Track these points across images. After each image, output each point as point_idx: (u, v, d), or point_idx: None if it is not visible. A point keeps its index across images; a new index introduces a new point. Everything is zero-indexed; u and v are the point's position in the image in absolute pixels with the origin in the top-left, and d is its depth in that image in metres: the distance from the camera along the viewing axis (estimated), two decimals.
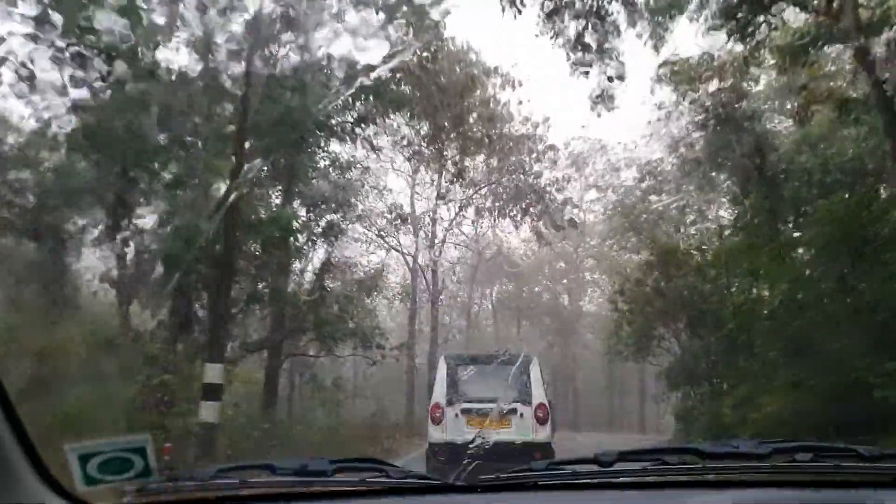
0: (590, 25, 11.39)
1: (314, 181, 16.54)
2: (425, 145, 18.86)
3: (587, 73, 11.89)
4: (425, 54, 15.29)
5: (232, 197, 9.47)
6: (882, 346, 9.24)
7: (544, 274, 45.12)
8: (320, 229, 15.51)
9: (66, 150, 10.86)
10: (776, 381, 11.22)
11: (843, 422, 8.85)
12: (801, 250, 13.45)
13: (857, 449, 2.05)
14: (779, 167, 15.25)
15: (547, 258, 41.71)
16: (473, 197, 24.97)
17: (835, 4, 11.48)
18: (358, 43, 14.49)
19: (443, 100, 16.42)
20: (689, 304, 19.43)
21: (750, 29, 12.98)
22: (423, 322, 28.67)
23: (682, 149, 18.15)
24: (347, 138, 16.64)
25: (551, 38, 12.16)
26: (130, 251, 11.13)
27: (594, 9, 11.66)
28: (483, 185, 24.00)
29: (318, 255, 17.44)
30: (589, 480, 1.99)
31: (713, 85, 15.40)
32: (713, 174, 17.63)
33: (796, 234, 14.08)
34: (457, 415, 10.30)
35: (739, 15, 12.16)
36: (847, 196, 13.22)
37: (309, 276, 17.28)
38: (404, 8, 14.24)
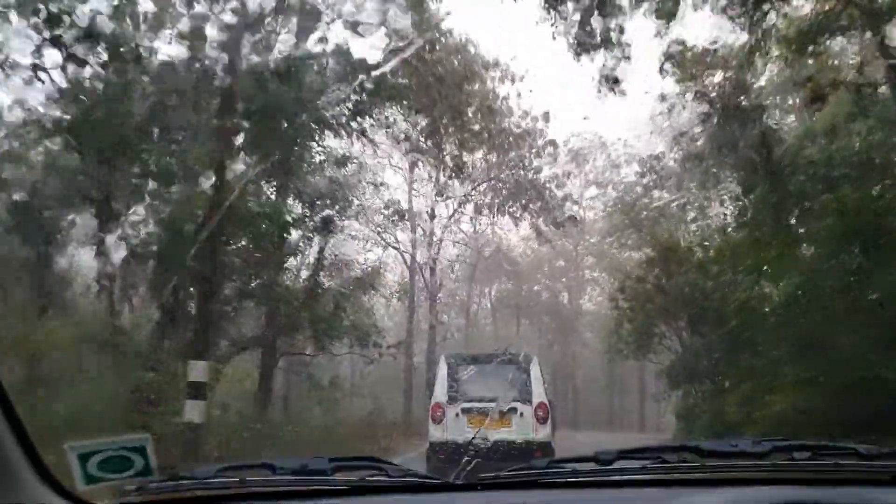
0: (595, 7, 11.04)
1: (309, 176, 16.20)
2: (423, 139, 18.53)
3: (592, 55, 11.52)
4: (423, 44, 14.95)
5: (215, 187, 9.13)
6: None
7: (543, 272, 44.89)
8: (315, 224, 15.12)
9: (48, 140, 10.52)
10: (783, 378, 10.89)
11: (854, 420, 8.56)
12: (806, 245, 13.20)
13: (857, 447, 2.07)
14: (784, 160, 14.93)
15: (546, 256, 41.50)
16: (472, 193, 24.66)
17: None
18: (354, 32, 14.22)
19: (441, 90, 16.08)
20: (690, 302, 19.17)
21: (756, 16, 12.68)
22: (421, 321, 28.36)
23: (685, 142, 17.83)
24: (343, 132, 16.32)
25: (552, 24, 11.84)
26: (116, 246, 10.79)
27: None
28: (482, 181, 23.68)
29: (315, 251, 17.13)
30: (588, 479, 2.02)
31: (718, 76, 15.07)
32: (716, 168, 17.28)
33: (802, 229, 13.78)
34: (457, 414, 10.32)
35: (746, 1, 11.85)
36: (857, 188, 13.00)
37: (305, 273, 16.91)
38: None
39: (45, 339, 9.34)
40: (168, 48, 11.51)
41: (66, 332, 9.65)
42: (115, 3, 9.54)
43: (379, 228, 23.64)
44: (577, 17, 11.36)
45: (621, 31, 11.74)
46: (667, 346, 22.04)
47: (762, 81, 15.71)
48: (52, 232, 11.43)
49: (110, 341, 9.68)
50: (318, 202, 15.69)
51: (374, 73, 14.14)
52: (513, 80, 20.24)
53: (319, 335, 15.08)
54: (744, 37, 14.70)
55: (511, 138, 21.71)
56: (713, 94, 15.35)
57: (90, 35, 9.08)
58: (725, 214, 19.48)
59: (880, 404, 8.51)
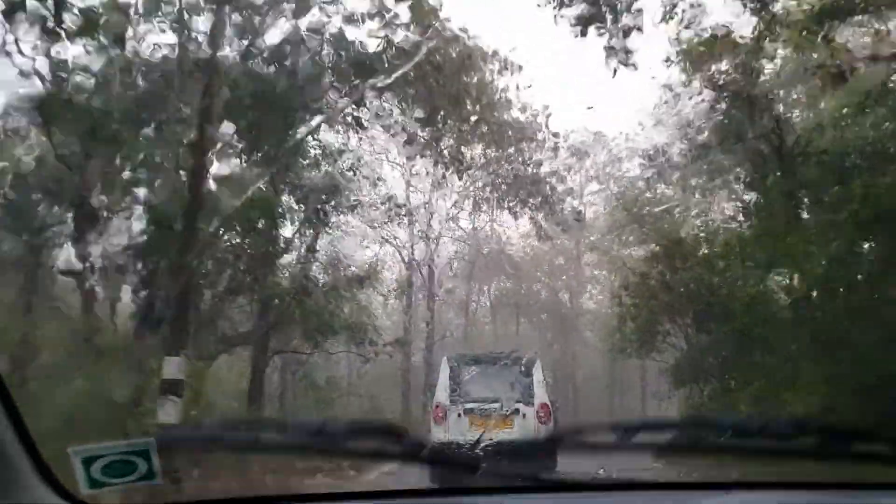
0: None
1: (305, 171, 15.68)
2: (420, 130, 18.00)
3: (599, 27, 10.91)
4: (420, 31, 14.41)
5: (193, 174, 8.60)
6: None
7: (543, 270, 44.43)
8: (308, 217, 14.59)
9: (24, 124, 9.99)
10: (799, 376, 10.36)
11: (877, 421, 8.04)
12: (819, 236, 12.70)
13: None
14: (796, 150, 14.42)
15: (546, 255, 41.07)
16: (471, 188, 24.13)
17: None
18: (349, 17, 13.67)
19: (438, 79, 15.53)
20: (696, 298, 18.71)
21: None
22: (419, 319, 27.87)
23: (692, 132, 17.30)
24: (339, 123, 15.81)
25: (556, 7, 11.29)
26: (95, 238, 10.26)
27: None
28: (481, 175, 23.15)
29: (308, 245, 16.62)
30: (597, 482, 2.03)
31: (727, 61, 14.52)
32: (724, 159, 16.74)
33: (816, 220, 13.27)
34: (459, 415, 10.34)
35: None
36: (871, 178, 12.54)
37: (299, 269, 16.34)
38: None
39: (22, 336, 8.82)
40: (154, 33, 10.98)
41: (43, 330, 9.12)
42: None
43: (375, 224, 23.11)
44: None
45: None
46: (671, 343, 21.57)
47: (773, 67, 15.20)
48: (27, 223, 10.89)
49: (86, 338, 9.15)
50: (313, 196, 15.14)
51: (369, 60, 13.64)
52: (512, 71, 19.69)
53: (311, 331, 14.54)
54: (753, 20, 14.24)
55: (510, 131, 21.15)
56: (721, 82, 14.83)
57: (60, 4, 8.55)
58: (733, 207, 18.97)
59: None
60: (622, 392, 43.95)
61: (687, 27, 13.33)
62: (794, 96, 15.81)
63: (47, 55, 9.12)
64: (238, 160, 12.34)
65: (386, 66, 14.22)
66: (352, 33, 13.58)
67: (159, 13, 11.19)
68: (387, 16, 13.66)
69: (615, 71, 12.08)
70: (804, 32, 13.56)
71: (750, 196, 16.91)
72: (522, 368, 10.89)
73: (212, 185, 10.03)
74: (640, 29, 11.27)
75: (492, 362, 11.40)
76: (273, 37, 12.52)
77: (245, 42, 11.54)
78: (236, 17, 12.13)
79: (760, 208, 15.61)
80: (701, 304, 18.52)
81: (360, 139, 18.17)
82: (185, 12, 10.52)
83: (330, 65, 13.65)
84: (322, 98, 13.72)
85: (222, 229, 11.32)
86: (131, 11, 10.87)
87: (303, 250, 16.17)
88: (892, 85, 14.14)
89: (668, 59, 16.10)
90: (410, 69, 14.52)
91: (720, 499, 1.90)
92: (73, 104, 9.31)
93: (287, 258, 16.00)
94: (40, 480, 1.76)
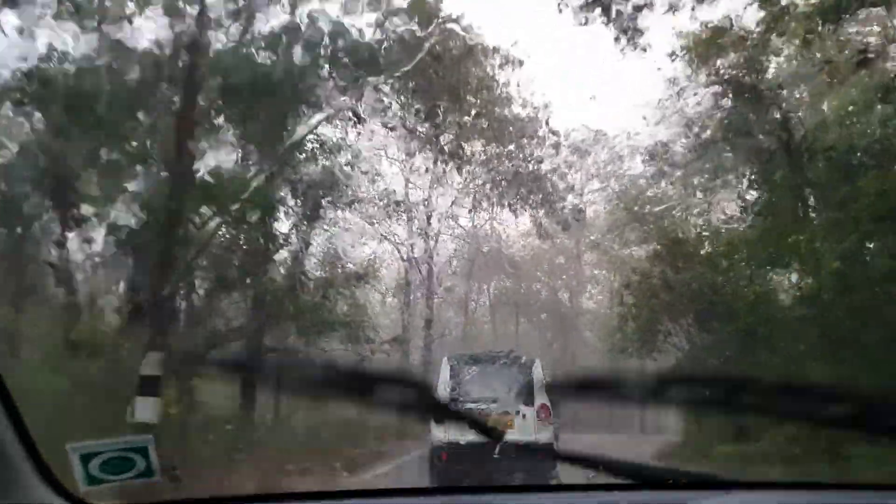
0: None
1: (301, 165, 15.35)
2: (420, 125, 17.71)
3: (608, 6, 10.54)
4: (419, 21, 14.11)
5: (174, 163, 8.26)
6: None
7: (543, 269, 44.16)
8: (303, 210, 14.26)
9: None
10: (809, 377, 10.04)
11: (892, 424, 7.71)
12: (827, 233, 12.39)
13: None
14: (803, 146, 14.10)
15: (546, 254, 40.81)
16: (471, 185, 23.83)
17: None
18: (346, 6, 13.34)
19: (438, 70, 15.21)
20: (698, 297, 18.43)
21: None
22: (417, 317, 27.54)
23: (697, 128, 16.98)
24: (337, 119, 15.50)
25: None
26: (77, 231, 9.95)
27: None
28: (481, 172, 22.85)
29: (307, 243, 16.30)
30: (599, 481, 2.00)
31: (733, 55, 14.20)
32: (729, 155, 16.41)
33: (823, 217, 12.96)
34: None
35: None
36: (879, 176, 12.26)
37: (294, 264, 16.00)
38: None
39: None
40: (142, 16, 10.63)
41: (23, 323, 8.79)
42: None
43: (373, 220, 22.79)
44: None
45: None
46: (672, 343, 21.28)
47: (780, 62, 14.90)
48: (9, 213, 10.54)
49: (65, 331, 8.82)
50: (309, 189, 14.81)
51: (368, 51, 13.32)
52: (513, 66, 19.40)
53: (306, 328, 14.21)
54: (760, 14, 13.94)
55: (511, 128, 20.87)
56: (727, 76, 14.52)
57: None
58: (737, 205, 18.64)
59: None
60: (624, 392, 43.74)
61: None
62: (801, 93, 15.50)
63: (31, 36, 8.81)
64: (231, 150, 12.03)
65: (384, 57, 13.93)
66: (350, 21, 13.24)
67: None
68: (385, 5, 13.37)
69: (623, 52, 11.72)
70: (812, 26, 13.28)
71: (754, 194, 16.60)
72: (522, 368, 10.97)
73: (202, 175, 9.71)
74: (650, 5, 10.89)
75: (492, 362, 11.47)
76: (269, 24, 12.23)
77: (239, 26, 11.19)
78: (230, 5, 11.85)
79: (766, 206, 15.30)
80: (703, 303, 18.21)
81: (359, 134, 17.86)
82: None
83: (327, 55, 13.31)
84: (319, 89, 13.38)
85: (213, 221, 11.00)
86: None
87: (298, 245, 15.82)
88: None
89: (672, 53, 15.85)
90: (409, 60, 14.22)
91: (720, 498, 1.86)
92: (57, 87, 8.99)
93: (282, 253, 15.72)
94: (39, 479, 1.75)
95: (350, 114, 15.93)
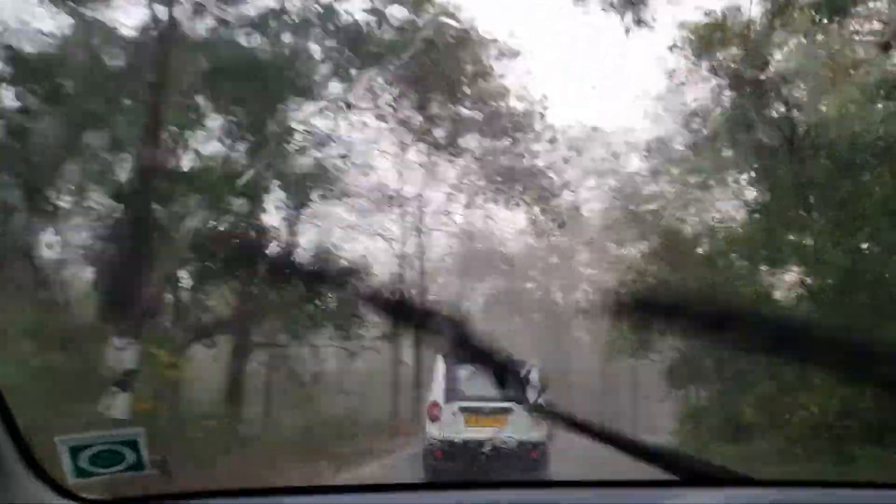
0: None
1: (286, 152, 14.88)
2: (412, 113, 17.25)
3: None
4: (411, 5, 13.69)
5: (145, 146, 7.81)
6: None
7: (537, 269, 43.86)
8: (289, 199, 13.82)
9: None
10: (814, 378, 9.68)
11: None
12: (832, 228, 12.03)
13: None
14: (806, 141, 13.75)
15: (540, 253, 40.53)
16: (465, 180, 23.42)
17: None
18: None
19: (431, 57, 14.76)
20: (696, 295, 18.11)
21: None
22: None
23: (696, 123, 16.62)
24: (328, 108, 15.05)
25: None
26: (50, 217, 9.49)
27: None
28: (475, 166, 22.44)
29: (295, 234, 15.87)
30: (588, 478, 2.10)
31: (735, 47, 13.83)
32: (729, 151, 16.05)
33: (824, 214, 12.60)
34: (454, 413, 10.53)
35: None
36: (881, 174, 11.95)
37: (280, 255, 15.53)
38: None
39: None
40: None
41: None
42: None
43: (365, 213, 22.35)
44: None
45: None
46: (668, 343, 20.98)
47: (783, 54, 14.53)
48: None
49: (36, 321, 8.36)
50: (296, 179, 14.37)
51: (360, 36, 12.88)
52: (510, 57, 19.00)
53: (292, 322, 13.78)
54: (763, 6, 13.60)
55: (507, 120, 20.45)
56: (728, 69, 14.15)
57: None
58: (736, 202, 18.31)
59: None
60: (615, 393, 43.48)
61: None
62: (805, 87, 15.15)
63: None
64: (218, 137, 11.59)
65: (376, 42, 13.50)
66: (341, 6, 12.80)
67: None
68: None
69: (627, 31, 11.32)
70: (818, 17, 12.94)
71: (754, 190, 16.25)
72: (517, 367, 10.72)
73: (182, 161, 9.27)
74: None
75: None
76: (256, 5, 11.77)
77: (224, 7, 10.73)
78: None
79: (766, 203, 14.95)
80: (702, 302, 17.90)
81: (351, 125, 17.41)
82: None
83: (317, 37, 12.87)
84: (308, 75, 12.93)
85: (194, 210, 10.54)
86: None
87: (286, 237, 15.37)
88: None
89: (673, 45, 15.48)
90: (403, 46, 13.77)
91: (716, 495, 1.83)
92: (32, 68, 8.55)
93: (270, 246, 15.25)
94: (28, 472, 1.75)
95: (341, 102, 15.50)
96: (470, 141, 21.40)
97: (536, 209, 22.70)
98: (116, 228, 9.07)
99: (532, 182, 21.93)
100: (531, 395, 9.30)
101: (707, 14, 13.52)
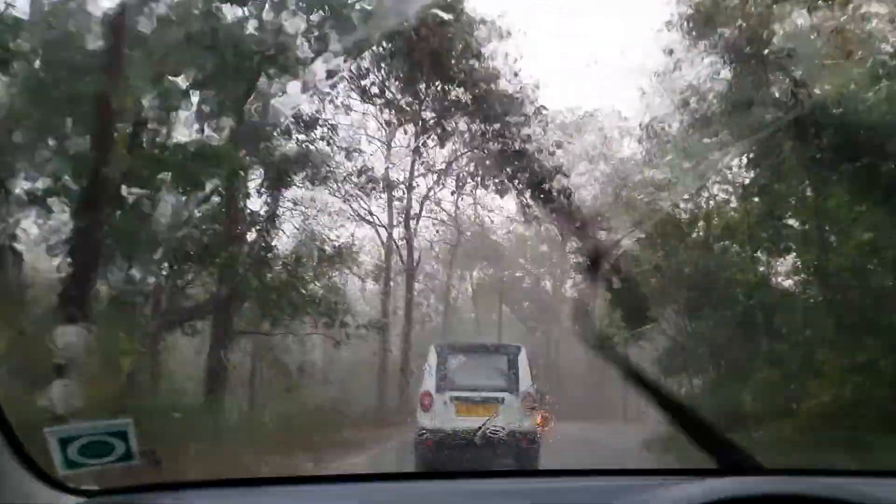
0: None
1: (267, 133, 14.25)
2: (400, 94, 16.67)
3: None
4: None
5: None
6: None
7: (526, 257, 43.52)
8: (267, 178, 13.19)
9: None
10: (823, 364, 9.22)
11: None
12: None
13: None
14: (809, 121, 13.27)
15: (530, 241, 40.16)
16: (454, 163, 22.85)
17: None
18: None
19: (419, 31, 14.14)
20: (690, 282, 17.70)
21: None
22: (397, 305, 26.61)
23: (693, 102, 16.10)
24: (311, 88, 14.41)
25: None
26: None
27: None
28: (465, 150, 21.89)
29: (275, 217, 15.22)
30: (580, 467, 2.10)
31: (736, 23, 13.30)
32: (727, 131, 15.53)
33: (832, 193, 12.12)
34: (445, 402, 10.55)
35: None
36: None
37: (258, 237, 14.87)
38: None
39: None
40: None
41: None
42: None
43: (349, 197, 21.73)
44: None
45: None
46: (662, 330, 20.62)
47: (785, 30, 14.00)
48: None
49: None
50: (277, 159, 13.74)
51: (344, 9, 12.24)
52: (501, 37, 18.43)
53: (271, 308, 13.21)
54: None
55: (498, 102, 19.87)
56: (729, 44, 13.62)
57: None
58: (733, 185, 17.83)
59: None
60: (604, 382, 43.31)
61: None
62: (809, 63, 14.63)
63: None
64: (191, 113, 10.95)
65: (362, 17, 12.87)
66: None
67: None
68: None
69: None
70: None
71: (753, 173, 15.75)
72: (508, 358, 11.14)
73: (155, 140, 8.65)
74: None
75: (479, 351, 12.13)
76: None
77: None
78: None
79: (766, 185, 14.48)
80: (695, 288, 17.48)
81: (336, 107, 16.75)
82: None
83: (300, 12, 12.23)
84: (290, 50, 12.27)
85: (169, 191, 9.93)
86: None
87: (264, 219, 14.72)
88: None
89: (670, 22, 14.99)
90: (390, 23, 13.14)
91: (708, 484, 1.71)
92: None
93: (249, 229, 14.60)
94: (18, 463, 1.75)
95: (325, 81, 14.85)
96: (459, 123, 20.86)
97: (527, 194, 22.22)
98: (80, 212, 8.45)
99: (523, 166, 21.40)
100: (522, 384, 9.16)
101: None
